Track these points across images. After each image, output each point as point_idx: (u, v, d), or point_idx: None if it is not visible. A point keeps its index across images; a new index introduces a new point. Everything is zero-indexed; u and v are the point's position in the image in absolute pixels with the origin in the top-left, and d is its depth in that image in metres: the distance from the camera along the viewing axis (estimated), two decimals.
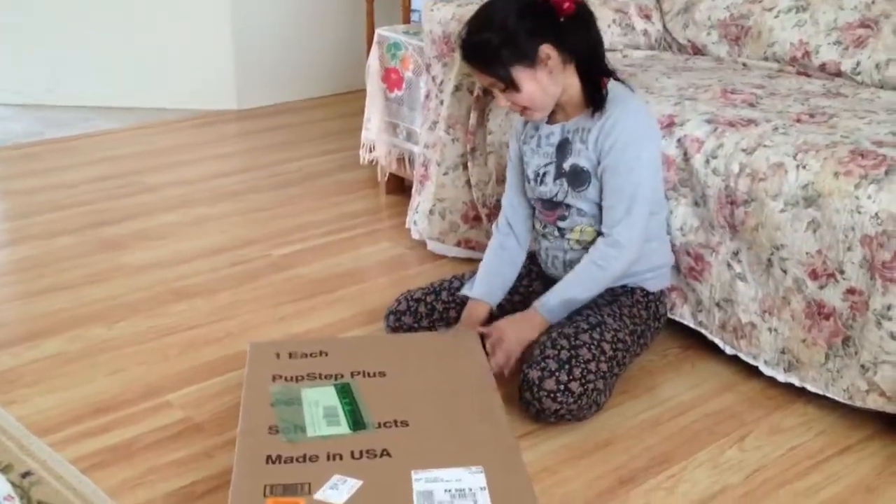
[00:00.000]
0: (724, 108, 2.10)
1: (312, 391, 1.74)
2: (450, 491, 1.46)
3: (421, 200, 2.67)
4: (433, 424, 1.65)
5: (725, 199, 1.96)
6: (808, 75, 2.46)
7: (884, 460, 1.76)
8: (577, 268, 1.94)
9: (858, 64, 2.39)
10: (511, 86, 1.86)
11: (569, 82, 1.90)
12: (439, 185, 2.59)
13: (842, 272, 1.80)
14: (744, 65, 2.59)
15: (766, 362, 1.97)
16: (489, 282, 2.04)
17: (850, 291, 1.79)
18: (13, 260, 2.64)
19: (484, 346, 1.90)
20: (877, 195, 1.74)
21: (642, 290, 2.01)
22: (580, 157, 1.92)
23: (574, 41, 1.86)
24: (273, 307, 2.36)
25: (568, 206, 1.97)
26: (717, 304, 2.04)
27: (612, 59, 2.29)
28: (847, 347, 1.82)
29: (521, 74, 1.85)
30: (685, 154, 2.03)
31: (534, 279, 2.10)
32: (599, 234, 1.94)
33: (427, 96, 2.69)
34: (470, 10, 2.41)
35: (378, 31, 3.05)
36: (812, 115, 2.05)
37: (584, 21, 1.88)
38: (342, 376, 1.79)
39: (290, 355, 1.87)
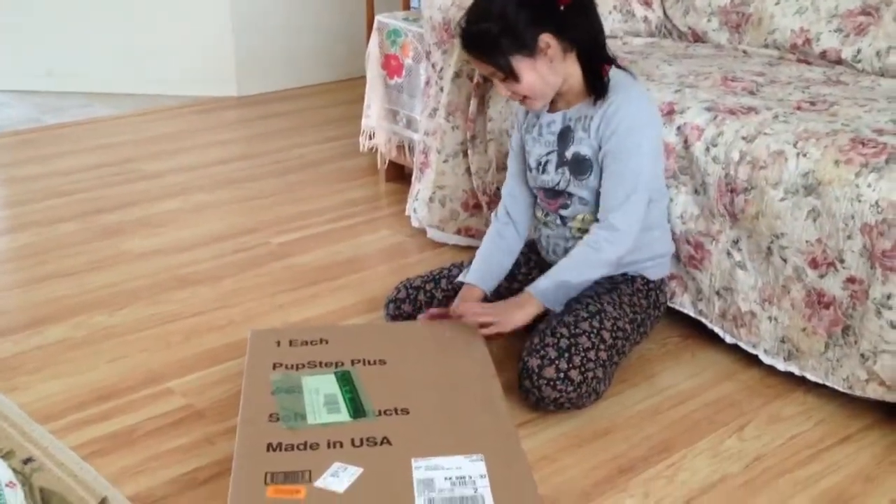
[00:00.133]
0: (724, 95, 2.10)
1: (313, 379, 1.74)
2: (450, 479, 1.47)
3: (421, 188, 2.67)
4: (433, 412, 1.65)
5: (725, 187, 1.96)
6: (808, 63, 2.46)
7: (883, 449, 1.76)
8: (572, 251, 1.93)
9: (859, 51, 2.38)
10: (511, 76, 1.86)
11: (569, 71, 1.90)
12: (439, 172, 2.59)
13: (842, 261, 1.80)
14: (744, 52, 2.58)
15: (765, 351, 1.97)
16: (484, 268, 2.05)
17: (850, 280, 1.79)
18: (14, 247, 2.65)
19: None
20: (877, 183, 1.74)
21: (643, 278, 2.01)
22: (582, 145, 1.92)
23: (574, 29, 1.85)
24: (273, 295, 2.37)
25: (570, 195, 1.97)
26: (717, 293, 2.04)
27: (613, 46, 2.28)
28: (847, 336, 1.82)
29: (520, 64, 1.84)
30: (685, 142, 2.03)
31: (532, 267, 2.11)
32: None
33: (427, 83, 2.68)
34: None
35: (378, 18, 3.05)
36: (812, 103, 2.05)
37: (585, 9, 1.87)
38: (342, 364, 1.79)
39: (291, 343, 1.87)
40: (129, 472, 1.68)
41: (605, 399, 1.89)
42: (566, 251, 1.99)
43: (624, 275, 2.00)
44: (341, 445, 1.55)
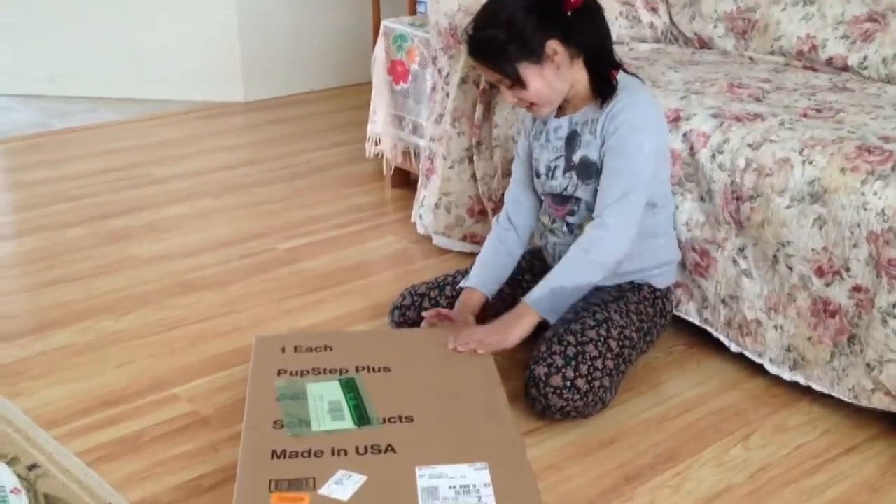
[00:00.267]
0: (730, 102, 2.10)
1: (317, 386, 1.74)
2: (454, 487, 1.47)
3: (426, 194, 2.67)
4: (438, 420, 1.65)
5: (731, 194, 1.96)
6: (814, 70, 2.46)
7: (889, 460, 1.76)
8: (564, 256, 1.92)
9: (865, 58, 2.38)
10: (518, 82, 1.85)
11: (576, 77, 1.89)
12: (445, 178, 2.59)
13: (848, 269, 1.79)
14: (750, 59, 2.58)
15: (771, 360, 1.97)
16: (484, 272, 2.04)
17: (856, 289, 1.79)
18: (21, 251, 2.65)
19: None
20: (883, 191, 1.73)
21: (649, 286, 2.01)
22: (590, 149, 1.92)
23: (582, 35, 1.85)
24: (279, 301, 2.37)
25: (577, 200, 1.96)
26: (723, 301, 2.04)
27: (618, 52, 2.28)
28: (853, 345, 1.82)
29: (527, 71, 1.84)
30: (691, 148, 2.02)
31: (536, 274, 2.10)
32: None
33: (433, 89, 2.68)
34: (476, 2, 2.40)
35: (384, 23, 3.05)
36: (819, 110, 2.05)
37: (592, 14, 1.87)
38: (347, 371, 1.79)
39: (296, 349, 1.87)
40: (134, 479, 1.69)
41: (610, 407, 1.89)
42: None
43: (631, 283, 1.99)
44: (346, 453, 1.54)
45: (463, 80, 2.53)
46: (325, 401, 1.69)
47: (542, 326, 1.90)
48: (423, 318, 2.06)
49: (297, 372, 1.79)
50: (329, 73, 4.42)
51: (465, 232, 2.63)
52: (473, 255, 2.54)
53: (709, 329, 2.09)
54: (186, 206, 2.99)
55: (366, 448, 1.56)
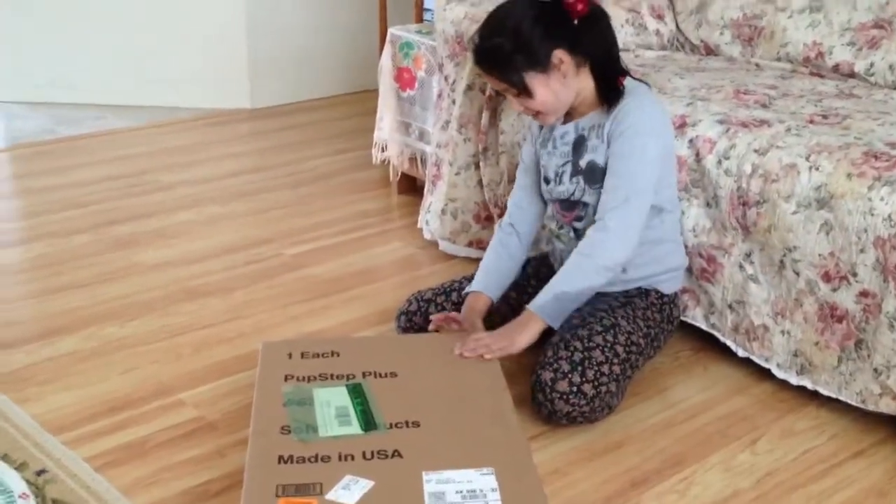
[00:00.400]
0: (736, 108, 2.10)
1: (324, 391, 1.74)
2: (461, 492, 1.47)
3: (433, 200, 2.67)
4: (444, 425, 1.65)
5: (738, 200, 1.96)
6: (821, 76, 2.46)
7: None
8: (567, 261, 1.91)
9: (872, 65, 2.38)
10: (524, 91, 1.86)
11: (583, 84, 1.90)
12: (451, 184, 2.59)
13: (854, 274, 1.79)
14: (757, 65, 2.58)
15: (778, 365, 1.96)
16: (486, 277, 2.05)
17: (863, 294, 1.79)
18: (28, 258, 2.66)
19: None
20: (890, 197, 1.73)
21: (657, 292, 2.00)
22: (596, 154, 1.91)
23: (588, 43, 1.85)
24: (285, 307, 2.37)
25: (585, 206, 1.96)
26: (730, 306, 2.03)
27: (625, 59, 2.28)
28: (860, 350, 1.81)
29: (533, 80, 1.84)
30: (697, 155, 2.03)
31: (542, 280, 2.09)
32: None
33: (439, 96, 2.69)
34: (482, 10, 2.41)
35: (391, 31, 3.06)
36: (825, 117, 2.05)
37: (599, 22, 1.87)
38: (354, 376, 1.79)
39: (303, 355, 1.88)
40: (141, 484, 1.69)
41: (617, 412, 1.88)
42: None
43: (638, 289, 1.99)
44: (353, 458, 1.54)
45: (469, 87, 2.54)
46: (332, 406, 1.70)
47: (549, 331, 1.90)
48: (429, 323, 2.06)
49: (304, 377, 1.79)
50: (336, 81, 4.43)
51: (472, 238, 2.63)
52: (479, 260, 2.55)
53: (716, 334, 2.09)
54: (193, 213, 3.00)
55: (372, 453, 1.56)
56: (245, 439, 1.65)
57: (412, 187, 3.15)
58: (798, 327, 1.91)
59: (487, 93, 2.49)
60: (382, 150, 3.13)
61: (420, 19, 3.60)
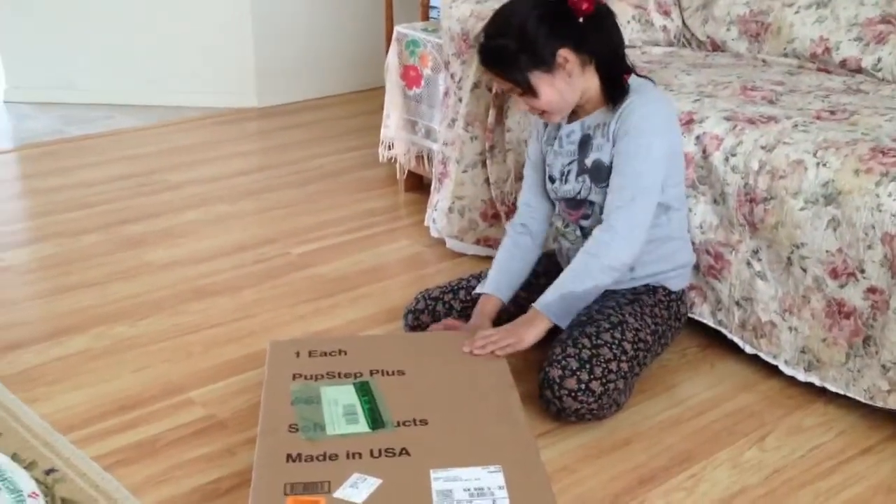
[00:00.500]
0: (743, 105, 2.10)
1: (332, 389, 1.75)
2: (468, 490, 1.47)
3: (440, 198, 2.67)
4: (452, 423, 1.65)
5: (745, 196, 1.96)
6: (828, 72, 2.45)
7: None
8: (573, 260, 1.91)
9: (879, 60, 2.37)
10: (529, 91, 1.86)
11: (588, 83, 1.89)
12: (458, 182, 2.60)
13: (862, 271, 1.79)
14: (763, 61, 2.58)
15: (786, 362, 1.96)
16: (499, 278, 2.05)
17: (871, 290, 1.78)
18: (38, 258, 2.67)
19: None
20: None
21: (664, 289, 2.00)
22: (602, 153, 1.91)
23: (593, 42, 1.85)
24: (293, 305, 2.38)
25: (591, 204, 1.96)
26: (737, 303, 2.03)
27: (631, 55, 2.28)
28: (868, 347, 1.81)
29: (538, 80, 1.84)
30: (704, 151, 2.02)
31: (551, 277, 2.10)
32: None
33: (446, 94, 2.69)
34: (488, 7, 2.41)
35: (397, 29, 3.06)
36: (832, 112, 2.04)
37: (604, 20, 1.86)
38: (361, 375, 1.80)
39: (310, 354, 1.88)
40: (151, 482, 1.70)
41: (624, 410, 1.89)
42: None
43: (646, 286, 1.99)
44: (360, 456, 1.55)
45: (475, 85, 2.54)
46: (339, 404, 1.70)
47: (556, 328, 1.90)
48: (436, 322, 2.07)
49: (311, 376, 1.80)
50: (342, 79, 4.43)
51: (479, 236, 2.63)
52: (487, 258, 2.56)
53: (723, 331, 2.09)
54: (201, 212, 3.00)
55: (380, 451, 1.56)
56: (254, 438, 1.65)
57: (419, 185, 3.15)
58: (806, 324, 1.90)
59: (494, 90, 2.49)
60: (389, 149, 3.13)
61: (426, 17, 3.60)
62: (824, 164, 1.84)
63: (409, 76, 3.01)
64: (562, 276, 1.91)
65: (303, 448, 1.57)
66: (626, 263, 1.90)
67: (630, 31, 2.73)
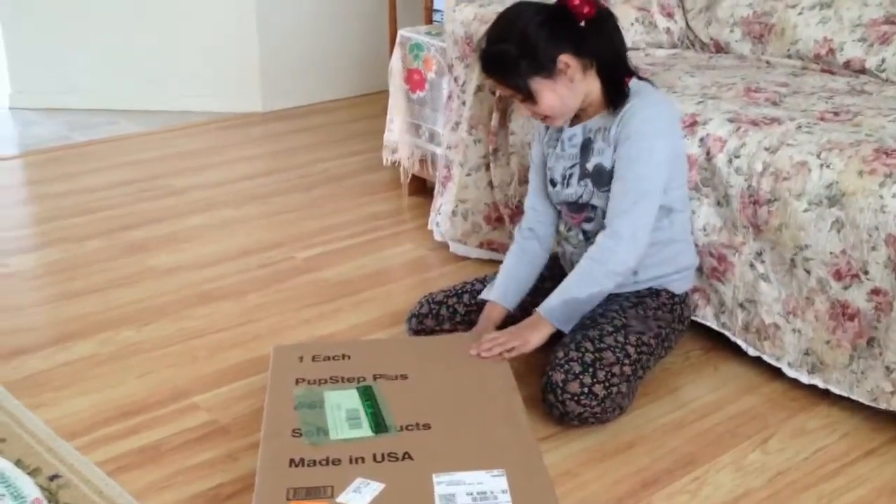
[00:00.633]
0: (747, 106, 2.09)
1: (335, 394, 1.75)
2: (471, 494, 1.47)
3: (443, 202, 2.67)
4: (455, 427, 1.66)
5: (748, 198, 1.95)
6: (832, 73, 2.45)
7: None
8: (577, 266, 1.91)
9: (883, 61, 2.37)
10: (529, 97, 1.86)
11: (590, 87, 1.89)
12: (462, 186, 2.60)
13: (866, 272, 1.78)
14: (767, 63, 2.57)
15: (789, 364, 1.96)
16: (506, 284, 2.04)
17: (875, 292, 1.78)
18: (43, 263, 2.68)
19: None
20: None
21: (667, 292, 2.00)
22: (603, 156, 1.91)
23: (595, 45, 1.84)
24: (298, 310, 2.38)
25: (593, 208, 1.96)
26: (740, 305, 2.03)
27: (635, 57, 2.28)
28: (871, 349, 1.80)
29: (539, 86, 1.84)
30: (708, 153, 2.02)
31: (557, 281, 2.10)
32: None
33: (449, 97, 2.69)
34: (492, 11, 2.42)
35: (400, 32, 3.06)
36: (836, 114, 2.04)
37: (605, 24, 1.86)
38: (364, 379, 1.80)
39: (314, 358, 1.89)
40: (154, 488, 1.70)
41: (627, 413, 1.88)
42: None
43: (649, 289, 1.99)
44: (363, 461, 1.55)
45: (479, 88, 2.54)
46: (342, 409, 1.70)
47: (560, 332, 1.90)
48: (439, 326, 2.07)
49: (314, 381, 1.80)
50: (346, 83, 4.44)
51: (482, 239, 2.63)
52: (491, 261, 2.57)
53: (726, 333, 2.09)
54: (205, 217, 3.01)
55: (383, 456, 1.56)
56: (257, 443, 1.66)
57: (423, 189, 3.15)
58: (809, 326, 1.90)
59: (497, 94, 2.49)
60: (393, 152, 3.13)
61: (430, 21, 3.60)
62: (828, 166, 1.83)
63: (413, 80, 3.02)
64: (566, 281, 1.91)
65: (306, 453, 1.57)
66: (631, 268, 1.90)
67: (633, 34, 2.73)
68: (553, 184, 2.02)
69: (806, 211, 1.85)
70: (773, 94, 2.19)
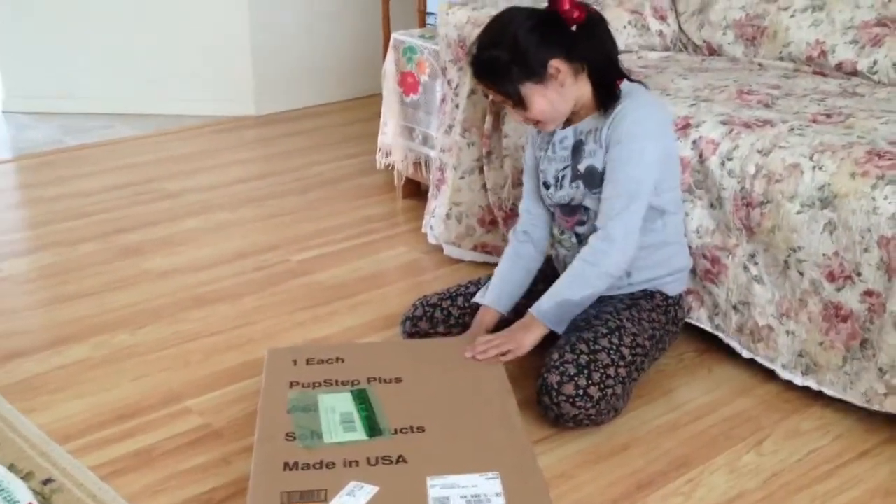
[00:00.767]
0: (739, 108, 2.10)
1: (329, 397, 1.75)
2: (465, 497, 1.47)
3: (437, 205, 2.67)
4: (449, 430, 1.66)
5: (741, 200, 1.96)
6: (824, 75, 2.45)
7: None
8: (569, 267, 1.92)
9: (875, 63, 2.38)
10: (520, 103, 1.86)
11: (582, 91, 1.89)
12: (455, 189, 2.60)
13: (859, 274, 1.79)
14: (759, 65, 2.58)
15: (783, 366, 1.96)
16: (500, 287, 2.04)
17: (868, 293, 1.78)
18: (37, 267, 2.68)
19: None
20: (893, 196, 1.73)
21: (661, 294, 2.00)
22: (595, 158, 1.91)
23: (586, 49, 1.85)
24: (292, 313, 2.38)
25: (586, 210, 1.96)
26: (734, 307, 2.03)
27: (628, 60, 2.28)
28: (865, 350, 1.81)
29: (530, 91, 1.84)
30: (700, 156, 2.02)
31: (549, 283, 2.10)
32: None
33: (443, 100, 2.70)
34: (485, 14, 2.42)
35: (394, 35, 3.06)
36: (828, 116, 2.04)
37: (596, 27, 1.86)
38: (359, 382, 1.80)
39: (308, 361, 1.89)
40: (147, 492, 1.70)
41: (622, 415, 1.88)
42: None
43: (643, 291, 1.99)
44: (357, 464, 1.55)
45: (472, 91, 2.54)
46: (336, 412, 1.70)
47: (554, 334, 1.90)
48: (434, 329, 2.07)
49: (309, 384, 1.80)
50: (340, 86, 4.44)
51: (476, 242, 2.63)
52: (485, 264, 2.57)
53: (720, 335, 2.09)
54: (200, 220, 3.01)
55: (377, 459, 1.56)
56: (250, 446, 1.66)
57: (416, 192, 3.15)
58: (803, 327, 1.90)
59: (490, 97, 2.49)
60: (387, 155, 3.14)
61: (423, 24, 3.61)
62: (820, 168, 1.84)
63: (407, 83, 3.02)
64: (558, 282, 1.92)
65: (300, 456, 1.57)
66: (623, 269, 1.91)
67: (626, 37, 2.73)
68: (546, 186, 2.02)
69: (799, 213, 1.86)
70: (766, 97, 2.19)
